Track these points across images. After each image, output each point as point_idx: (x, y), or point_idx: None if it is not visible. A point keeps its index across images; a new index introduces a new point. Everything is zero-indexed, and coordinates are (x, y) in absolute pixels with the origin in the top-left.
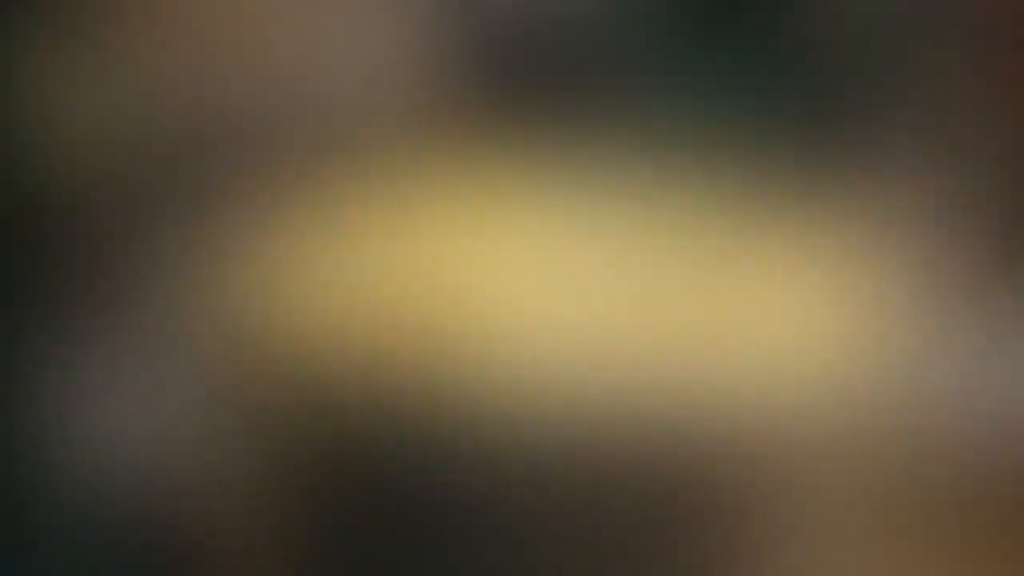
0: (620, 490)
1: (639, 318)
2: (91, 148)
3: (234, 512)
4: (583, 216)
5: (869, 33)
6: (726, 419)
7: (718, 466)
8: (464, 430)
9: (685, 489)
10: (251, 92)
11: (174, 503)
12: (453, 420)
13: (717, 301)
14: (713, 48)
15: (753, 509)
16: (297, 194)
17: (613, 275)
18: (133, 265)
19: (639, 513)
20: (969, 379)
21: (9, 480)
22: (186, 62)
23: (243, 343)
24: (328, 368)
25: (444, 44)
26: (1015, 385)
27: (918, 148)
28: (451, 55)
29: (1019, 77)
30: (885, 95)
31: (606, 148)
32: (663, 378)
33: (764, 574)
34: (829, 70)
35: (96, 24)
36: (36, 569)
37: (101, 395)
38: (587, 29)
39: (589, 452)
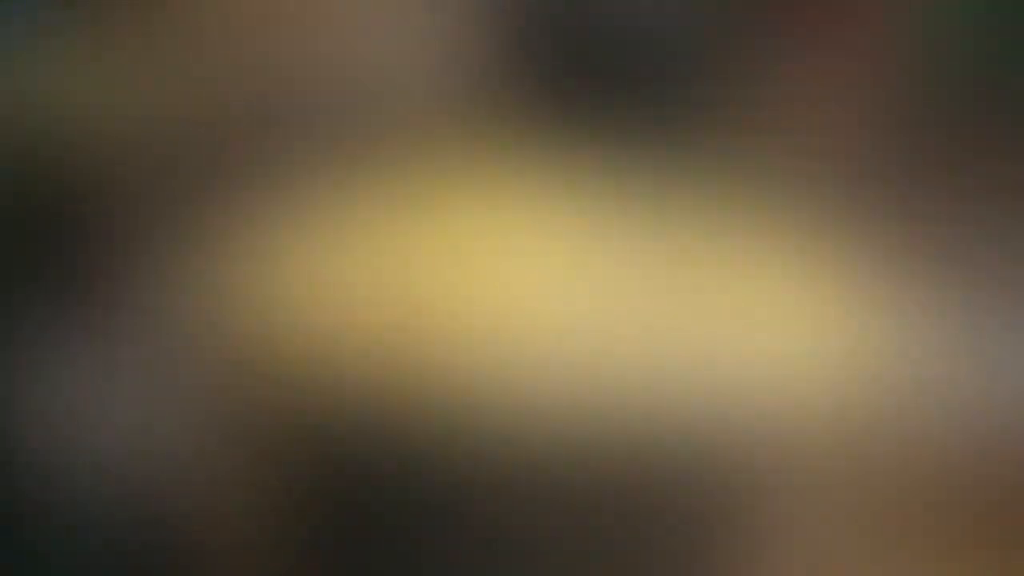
0: (622, 492)
1: (645, 320)
2: (88, 144)
3: (231, 512)
4: (588, 218)
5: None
6: (729, 421)
7: (721, 468)
8: (465, 431)
9: (686, 491)
10: (251, 90)
11: (169, 503)
12: (453, 422)
13: (720, 303)
14: (720, 53)
15: (754, 511)
16: (298, 192)
17: (617, 277)
18: (133, 264)
19: (640, 515)
20: (969, 379)
21: (3, 479)
22: (186, 58)
23: (242, 342)
24: (330, 368)
25: (455, 44)
26: (1017, 386)
27: (918, 149)
28: (460, 55)
29: (1017, 83)
30: (883, 94)
31: (612, 150)
32: (666, 379)
33: (764, 574)
34: (831, 75)
35: (97, 19)
36: (31, 568)
37: (96, 394)
38: (600, 32)
39: (591, 454)
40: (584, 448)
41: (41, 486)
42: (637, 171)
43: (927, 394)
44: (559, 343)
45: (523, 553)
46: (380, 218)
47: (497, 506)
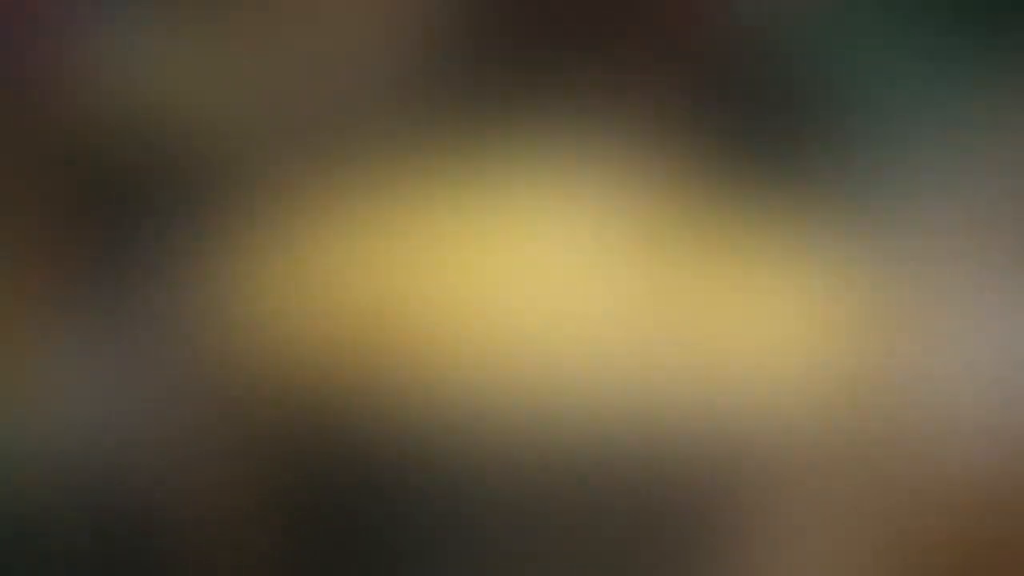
0: (613, 492)
1: (637, 318)
2: (82, 144)
3: (225, 512)
4: (577, 216)
5: (872, 38)
6: (725, 421)
7: (715, 468)
8: (454, 432)
9: (680, 490)
10: (245, 89)
11: (162, 502)
12: (443, 423)
13: (715, 301)
14: (711, 48)
15: (756, 514)
16: (286, 192)
17: (610, 276)
18: (127, 264)
19: (638, 517)
20: (968, 378)
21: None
22: (185, 57)
23: (228, 341)
24: (318, 367)
25: (439, 41)
26: (1015, 385)
27: (917, 148)
28: (446, 52)
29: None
30: (883, 94)
31: (604, 149)
32: (660, 378)
33: (759, 574)
34: (824, 71)
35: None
36: (26, 567)
37: (88, 390)
38: (577, 26)
39: (582, 454)
40: (581, 449)
41: (35, 484)
42: (633, 170)
43: (928, 397)
44: (554, 343)
45: (520, 555)
46: (379, 218)
47: (494, 508)
